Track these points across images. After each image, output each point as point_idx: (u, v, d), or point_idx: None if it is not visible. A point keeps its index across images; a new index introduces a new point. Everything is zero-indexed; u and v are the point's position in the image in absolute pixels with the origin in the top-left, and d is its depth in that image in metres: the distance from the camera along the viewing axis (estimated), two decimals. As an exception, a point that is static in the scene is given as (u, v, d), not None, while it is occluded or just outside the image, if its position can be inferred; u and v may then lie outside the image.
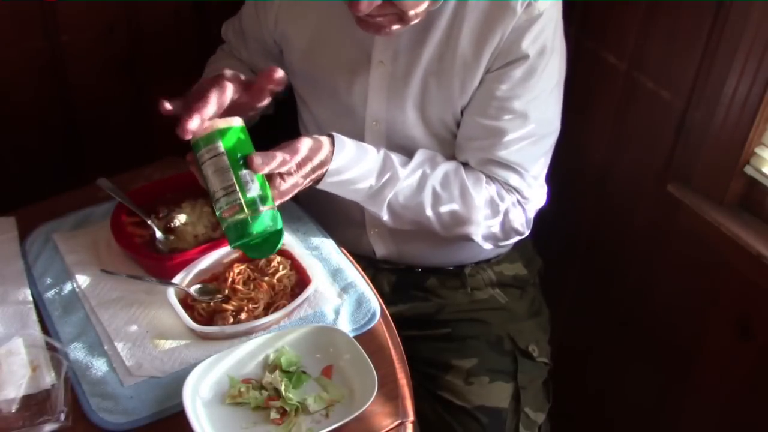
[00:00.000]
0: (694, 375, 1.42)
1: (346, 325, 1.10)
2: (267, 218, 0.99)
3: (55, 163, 1.53)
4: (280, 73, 1.02)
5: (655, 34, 1.29)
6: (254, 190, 0.99)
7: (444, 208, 1.18)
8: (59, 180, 1.36)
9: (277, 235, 1.01)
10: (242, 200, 0.98)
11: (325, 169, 1.09)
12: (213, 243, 1.16)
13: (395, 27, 1.06)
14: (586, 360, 1.69)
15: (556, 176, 1.34)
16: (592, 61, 1.42)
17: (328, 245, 1.23)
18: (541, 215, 1.33)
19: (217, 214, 1.00)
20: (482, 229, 1.21)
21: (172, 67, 1.54)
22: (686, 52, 1.24)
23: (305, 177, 1.07)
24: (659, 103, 1.32)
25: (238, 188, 0.98)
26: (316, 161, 1.07)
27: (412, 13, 1.04)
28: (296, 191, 1.08)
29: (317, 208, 1.30)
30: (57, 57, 1.43)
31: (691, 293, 1.37)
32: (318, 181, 1.10)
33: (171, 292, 1.08)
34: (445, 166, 1.19)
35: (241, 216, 0.98)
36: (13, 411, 0.96)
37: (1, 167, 1.46)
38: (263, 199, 0.99)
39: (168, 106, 1.02)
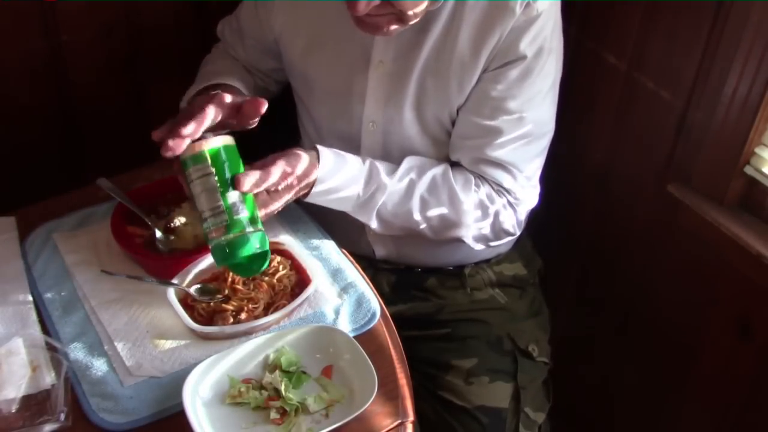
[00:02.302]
0: (694, 375, 1.42)
1: (346, 325, 1.10)
2: (254, 240, 0.98)
3: (55, 163, 1.53)
4: (265, 106, 1.03)
5: (655, 34, 1.29)
6: (242, 212, 0.98)
7: (432, 213, 1.18)
8: (59, 180, 1.36)
9: (263, 256, 1.01)
10: (229, 222, 0.97)
11: (312, 178, 1.09)
12: (213, 243, 1.16)
13: (393, 27, 1.06)
14: (586, 360, 1.69)
15: (556, 176, 1.34)
16: (592, 61, 1.42)
17: (328, 245, 1.23)
18: (541, 215, 1.33)
19: (204, 233, 0.99)
20: (472, 231, 1.21)
21: (172, 67, 1.54)
22: (686, 52, 1.24)
23: (290, 189, 1.07)
24: (659, 103, 1.32)
25: (225, 210, 0.97)
26: (299, 171, 1.06)
27: (411, 13, 1.04)
28: (283, 206, 1.07)
29: (317, 210, 1.29)
30: (57, 56, 1.43)
31: (691, 293, 1.37)
32: (306, 194, 1.10)
33: (171, 292, 1.08)
34: (433, 172, 1.19)
35: (227, 238, 0.97)
36: (13, 411, 0.96)
37: (1, 167, 1.46)
38: (251, 221, 0.99)
39: (157, 134, 1.01)
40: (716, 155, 1.25)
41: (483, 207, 1.20)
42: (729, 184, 1.24)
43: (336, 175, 1.11)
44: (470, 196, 1.18)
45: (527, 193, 1.24)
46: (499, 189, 1.22)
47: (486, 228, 1.22)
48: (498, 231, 1.24)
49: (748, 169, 1.22)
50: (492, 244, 1.27)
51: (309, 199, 1.12)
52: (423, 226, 1.20)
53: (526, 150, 1.20)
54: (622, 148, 1.43)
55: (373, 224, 1.18)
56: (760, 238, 1.20)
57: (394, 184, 1.16)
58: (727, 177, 1.24)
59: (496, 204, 1.21)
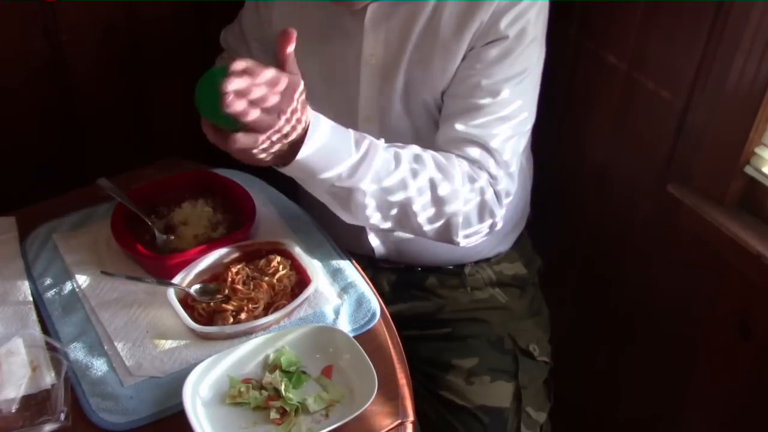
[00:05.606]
0: (694, 375, 1.42)
1: (346, 325, 1.10)
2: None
3: (55, 163, 1.53)
4: (291, 31, 0.99)
5: (655, 34, 1.29)
6: None
7: (423, 180, 1.10)
8: (59, 180, 1.36)
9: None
10: None
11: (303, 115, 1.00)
12: (213, 243, 1.16)
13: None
14: (586, 360, 1.69)
15: (556, 176, 1.35)
16: (592, 61, 1.42)
17: (328, 245, 1.23)
18: (541, 215, 1.33)
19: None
20: (464, 206, 1.13)
21: (172, 67, 1.54)
22: (686, 52, 1.24)
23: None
24: (659, 103, 1.32)
25: None
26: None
27: None
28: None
29: (317, 209, 1.29)
30: (57, 57, 1.43)
31: (691, 293, 1.37)
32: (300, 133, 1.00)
33: (171, 292, 1.08)
34: (411, 147, 1.13)
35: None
36: (13, 411, 0.96)
37: (1, 167, 1.46)
38: None
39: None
40: (716, 155, 1.24)
41: (470, 178, 1.14)
42: (729, 184, 1.24)
43: (330, 130, 1.03)
44: (455, 168, 1.12)
45: (505, 179, 1.18)
46: (480, 166, 1.16)
47: (473, 206, 1.15)
48: (482, 212, 1.16)
49: (748, 169, 1.22)
50: (476, 227, 1.18)
51: (290, 168, 1.02)
52: (415, 195, 1.10)
53: (501, 128, 1.15)
54: (622, 148, 1.43)
55: (368, 190, 1.07)
56: (760, 238, 1.20)
57: (382, 144, 1.09)
58: (727, 177, 1.24)
59: (480, 180, 1.15)
